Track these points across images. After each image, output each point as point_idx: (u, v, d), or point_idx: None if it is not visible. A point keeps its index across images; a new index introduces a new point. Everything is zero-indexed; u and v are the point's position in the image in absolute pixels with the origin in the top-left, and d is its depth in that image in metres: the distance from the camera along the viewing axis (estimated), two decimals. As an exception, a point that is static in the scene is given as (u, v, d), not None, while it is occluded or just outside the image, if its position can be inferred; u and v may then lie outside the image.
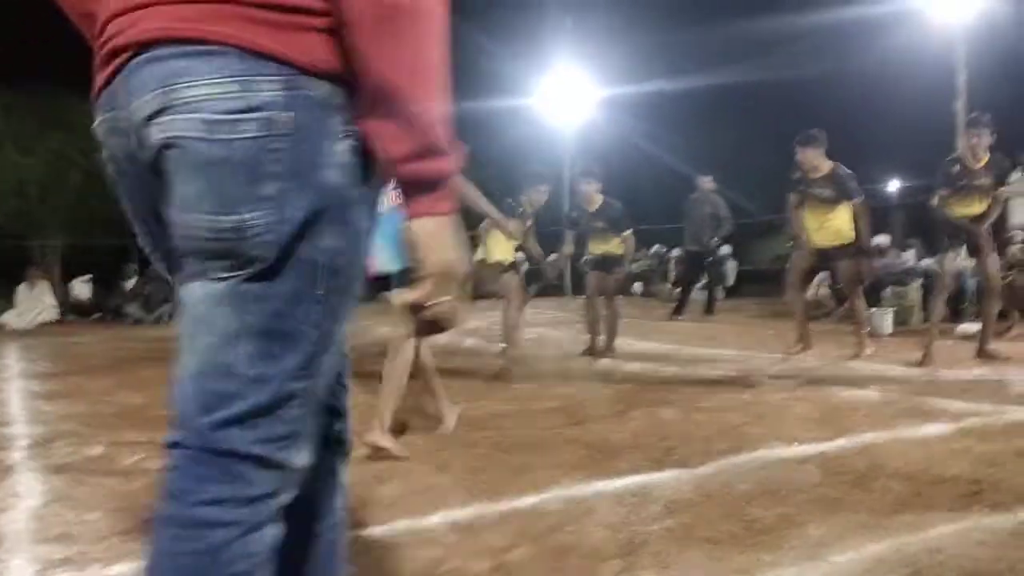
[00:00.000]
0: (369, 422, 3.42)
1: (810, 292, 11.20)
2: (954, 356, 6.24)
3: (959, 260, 6.42)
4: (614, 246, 7.04)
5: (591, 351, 7.06)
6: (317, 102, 1.07)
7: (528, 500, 2.82)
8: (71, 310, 14.12)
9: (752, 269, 18.31)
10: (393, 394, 3.60)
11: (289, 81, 1.05)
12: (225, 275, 1.07)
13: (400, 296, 1.06)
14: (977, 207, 6.01)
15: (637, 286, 16.50)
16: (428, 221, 1.11)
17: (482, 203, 4.43)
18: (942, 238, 6.19)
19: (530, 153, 16.53)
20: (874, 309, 8.74)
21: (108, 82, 1.12)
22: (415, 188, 1.11)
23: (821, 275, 11.26)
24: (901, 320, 9.12)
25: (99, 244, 21.86)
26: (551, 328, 9.74)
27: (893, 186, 25.78)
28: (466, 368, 6.29)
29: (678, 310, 11.28)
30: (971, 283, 9.03)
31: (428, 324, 1.17)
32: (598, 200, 7.04)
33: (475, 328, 8.65)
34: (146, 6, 1.06)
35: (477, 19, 17.44)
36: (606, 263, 7.09)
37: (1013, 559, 2.16)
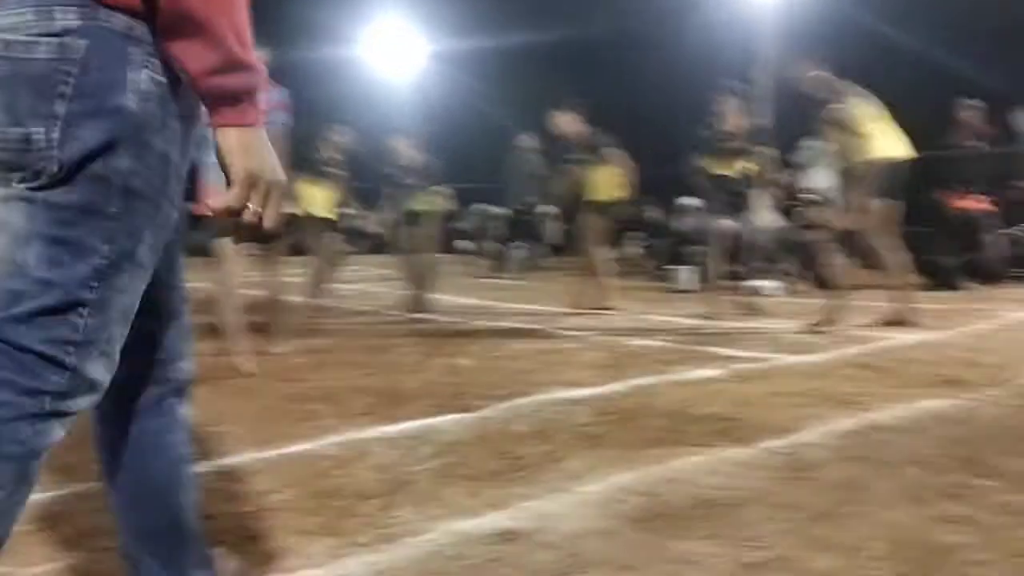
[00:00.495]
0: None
1: (624, 251, 11.71)
2: (742, 309, 6.68)
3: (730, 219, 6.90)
4: (430, 202, 7.08)
5: (407, 306, 7.10)
6: (115, 32, 1.12)
7: (302, 447, 2.82)
8: None
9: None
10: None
11: (85, 12, 1.11)
12: (18, 183, 1.13)
13: (214, 200, 1.14)
14: (733, 168, 6.50)
15: (463, 243, 16.62)
16: (234, 132, 1.18)
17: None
18: (712, 198, 6.73)
19: (358, 107, 16.21)
20: (681, 266, 9.24)
21: None
22: (220, 101, 1.17)
23: (634, 234, 11.78)
24: (704, 277, 9.65)
25: None
26: (375, 284, 9.69)
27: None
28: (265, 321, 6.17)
29: (498, 267, 11.49)
30: (761, 238, 9.65)
31: (244, 230, 1.23)
32: (412, 155, 7.06)
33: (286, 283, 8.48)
34: None
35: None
36: (421, 219, 7.12)
37: (737, 486, 2.37)
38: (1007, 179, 10.28)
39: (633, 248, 11.73)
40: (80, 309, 1.15)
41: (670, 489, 2.33)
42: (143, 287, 1.25)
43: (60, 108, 1.11)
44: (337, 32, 19.14)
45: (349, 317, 6.56)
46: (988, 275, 8.60)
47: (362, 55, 19.10)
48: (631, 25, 17.09)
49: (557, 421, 3.11)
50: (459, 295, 8.14)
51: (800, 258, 9.10)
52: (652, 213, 11.33)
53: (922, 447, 2.75)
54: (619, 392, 3.59)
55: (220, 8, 1.13)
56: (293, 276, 8.35)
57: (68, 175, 1.12)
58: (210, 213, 1.24)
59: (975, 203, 9.17)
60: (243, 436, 2.98)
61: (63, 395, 1.16)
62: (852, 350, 4.68)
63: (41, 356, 1.14)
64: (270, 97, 5.41)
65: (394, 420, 3.16)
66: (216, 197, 1.22)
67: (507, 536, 2.02)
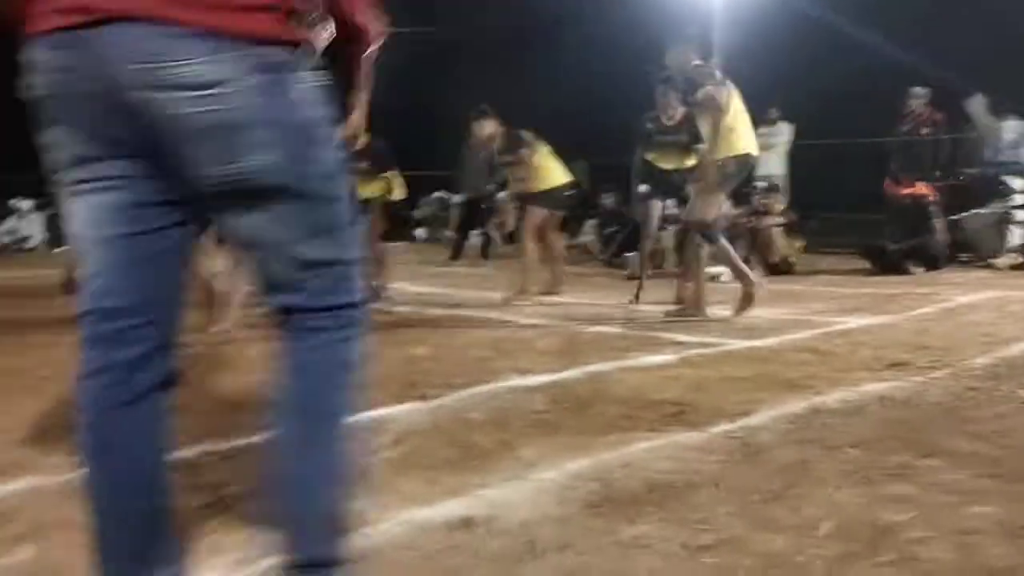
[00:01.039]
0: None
1: (580, 239, 11.77)
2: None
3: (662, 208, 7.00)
4: (379, 188, 7.03)
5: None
6: (273, 65, 1.33)
7: (255, 439, 2.80)
8: None
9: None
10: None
11: (247, 54, 1.30)
12: (251, 202, 1.37)
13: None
14: (675, 161, 6.54)
15: (420, 232, 16.56)
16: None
17: None
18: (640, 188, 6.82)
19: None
20: (634, 253, 9.30)
21: (71, 27, 1.28)
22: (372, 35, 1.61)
23: (590, 222, 11.83)
24: (658, 264, 9.74)
25: None
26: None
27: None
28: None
29: (455, 255, 11.47)
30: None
31: None
32: (363, 141, 7.00)
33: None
34: None
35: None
36: (371, 206, 7.07)
37: (691, 470, 2.41)
38: (954, 166, 10.54)
39: (589, 236, 11.77)
40: None
41: (624, 475, 2.36)
42: None
43: (263, 135, 1.38)
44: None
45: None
46: (934, 260, 8.80)
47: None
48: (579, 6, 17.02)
49: (512, 409, 3.13)
50: (414, 283, 8.11)
51: (750, 244, 9.22)
52: (608, 201, 11.38)
53: (867, 429, 2.82)
54: (574, 379, 3.62)
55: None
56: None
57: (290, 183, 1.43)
58: None
59: (922, 190, 9.37)
60: (194, 428, 2.95)
61: None
62: (801, 335, 4.77)
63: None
64: None
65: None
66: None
67: (462, 524, 2.04)
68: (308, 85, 1.39)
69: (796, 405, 3.13)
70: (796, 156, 11.55)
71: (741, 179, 5.66)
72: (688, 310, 5.63)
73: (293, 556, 1.45)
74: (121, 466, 1.44)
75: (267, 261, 1.44)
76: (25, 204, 15.20)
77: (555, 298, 6.83)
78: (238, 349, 4.51)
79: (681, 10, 11.35)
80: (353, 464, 1.52)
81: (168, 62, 1.26)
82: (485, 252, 11.93)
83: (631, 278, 7.63)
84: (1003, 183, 9.66)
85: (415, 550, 1.90)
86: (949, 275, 8.39)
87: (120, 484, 1.44)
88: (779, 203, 9.37)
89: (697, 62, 5.46)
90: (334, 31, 1.49)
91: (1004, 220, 9.41)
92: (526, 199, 7.00)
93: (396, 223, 8.80)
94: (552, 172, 6.92)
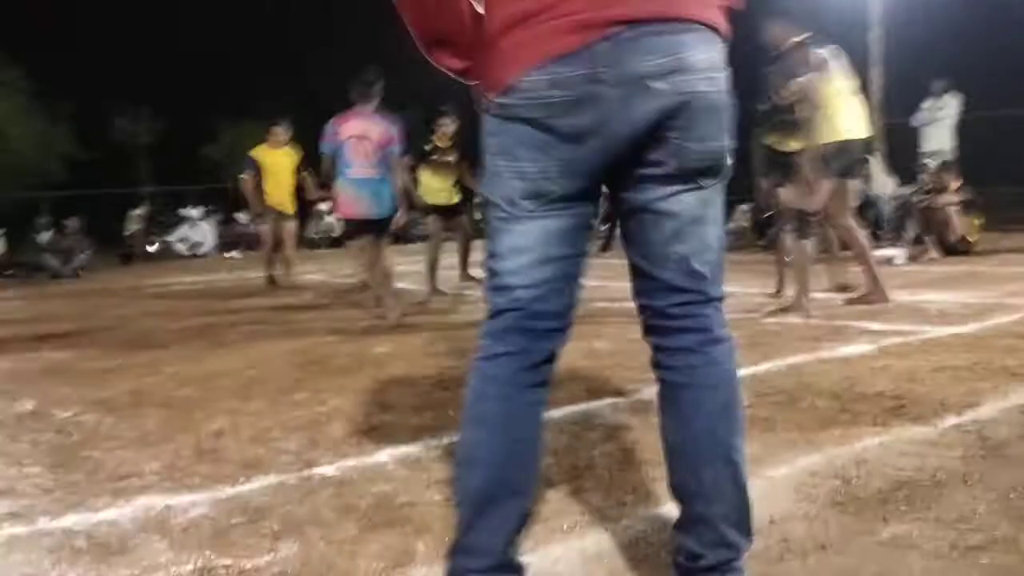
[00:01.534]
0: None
1: (731, 224, 11.49)
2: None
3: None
4: None
5: None
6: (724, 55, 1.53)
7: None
8: (-18, 266, 13.60)
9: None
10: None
11: (722, 46, 1.52)
12: (708, 184, 1.54)
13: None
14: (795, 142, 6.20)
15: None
16: None
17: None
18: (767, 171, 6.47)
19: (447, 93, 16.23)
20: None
21: (585, 45, 1.42)
22: None
23: (742, 207, 11.53)
24: (824, 248, 9.39)
25: (5, 198, 21.00)
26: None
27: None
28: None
29: (605, 246, 11.42)
30: (887, 209, 9.35)
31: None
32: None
33: (404, 272, 8.64)
34: None
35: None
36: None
37: (934, 467, 2.30)
38: None
39: (741, 221, 11.49)
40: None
41: (863, 471, 2.28)
42: None
43: (727, 122, 1.54)
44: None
45: (463, 302, 6.63)
46: None
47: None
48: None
49: (719, 403, 3.07)
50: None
51: (925, 224, 8.77)
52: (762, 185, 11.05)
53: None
54: (774, 371, 3.52)
55: None
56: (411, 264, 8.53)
57: (726, 172, 1.57)
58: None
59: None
60: (407, 424, 3.06)
61: None
62: (1004, 319, 4.49)
63: (721, 301, 1.63)
64: (392, 130, 5.75)
65: (551, 406, 3.17)
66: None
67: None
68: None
69: (1024, 394, 2.94)
70: (964, 129, 10.90)
71: (846, 165, 5.29)
72: (868, 296, 5.38)
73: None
74: (519, 433, 1.59)
75: (671, 256, 1.56)
76: (195, 212, 16.15)
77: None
78: (419, 346, 4.64)
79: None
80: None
81: (687, 52, 1.45)
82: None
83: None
84: None
85: (667, 547, 1.90)
86: None
87: (513, 448, 1.58)
88: (954, 180, 8.86)
89: (795, 39, 5.19)
90: None
91: None
92: None
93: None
94: None
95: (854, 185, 5.52)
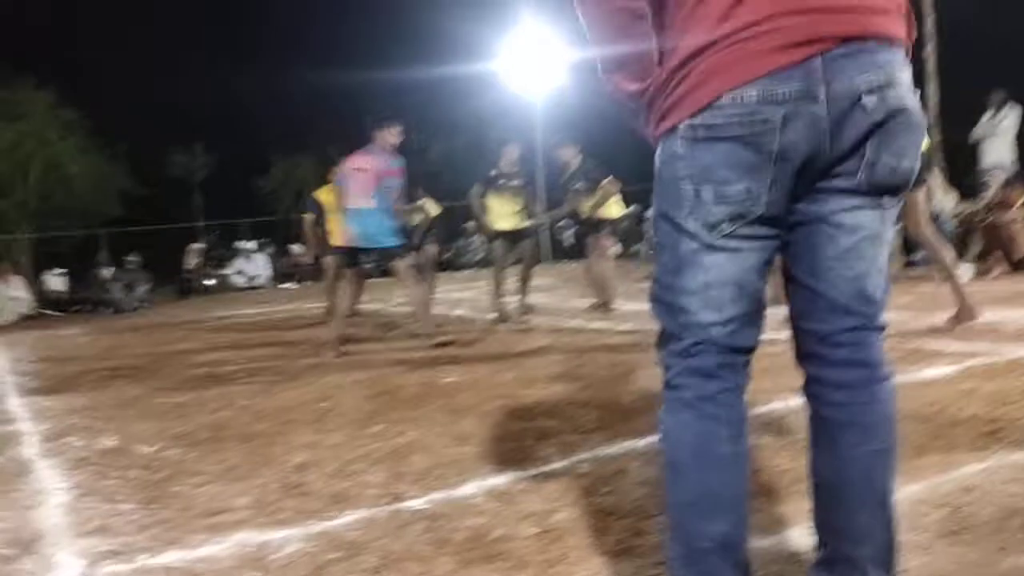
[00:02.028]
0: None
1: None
2: (943, 299, 6.33)
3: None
4: (600, 206, 7.22)
5: (595, 309, 7.52)
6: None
7: (557, 464, 2.85)
8: (47, 304, 13.93)
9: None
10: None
11: (906, 60, 1.48)
12: (889, 204, 1.48)
13: None
14: None
15: (614, 247, 16.53)
16: None
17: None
18: None
19: (498, 120, 16.36)
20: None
21: (797, 61, 1.38)
22: None
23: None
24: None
25: (66, 236, 21.54)
26: (545, 294, 9.76)
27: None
28: (463, 338, 6.32)
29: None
30: (948, 226, 9.16)
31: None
32: (576, 162, 7.28)
33: (461, 298, 8.67)
34: (847, 11, 1.40)
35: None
36: (592, 225, 7.20)
37: (1044, 493, 2.23)
38: None
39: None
40: None
41: (972, 499, 2.21)
42: None
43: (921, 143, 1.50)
44: (477, 47, 19.49)
45: (529, 328, 6.62)
46: None
47: (501, 68, 19.28)
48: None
49: (803, 430, 3.01)
50: (627, 300, 8.05)
51: (987, 240, 8.59)
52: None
53: None
54: (858, 396, 3.44)
55: None
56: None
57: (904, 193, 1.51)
58: None
59: None
60: (488, 455, 3.04)
61: None
62: (1091, 338, 4.35)
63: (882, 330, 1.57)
64: (392, 164, 5.92)
65: (631, 435, 3.14)
66: None
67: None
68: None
69: None
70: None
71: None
72: (961, 314, 5.19)
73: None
74: (747, 470, 1.56)
75: (844, 273, 1.50)
76: (250, 245, 16.42)
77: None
78: (488, 376, 4.63)
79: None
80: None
81: (895, 69, 1.43)
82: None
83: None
84: None
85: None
86: None
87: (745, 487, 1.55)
88: (1018, 195, 8.66)
89: None
90: None
91: None
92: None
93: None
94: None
95: (920, 196, 5.40)
